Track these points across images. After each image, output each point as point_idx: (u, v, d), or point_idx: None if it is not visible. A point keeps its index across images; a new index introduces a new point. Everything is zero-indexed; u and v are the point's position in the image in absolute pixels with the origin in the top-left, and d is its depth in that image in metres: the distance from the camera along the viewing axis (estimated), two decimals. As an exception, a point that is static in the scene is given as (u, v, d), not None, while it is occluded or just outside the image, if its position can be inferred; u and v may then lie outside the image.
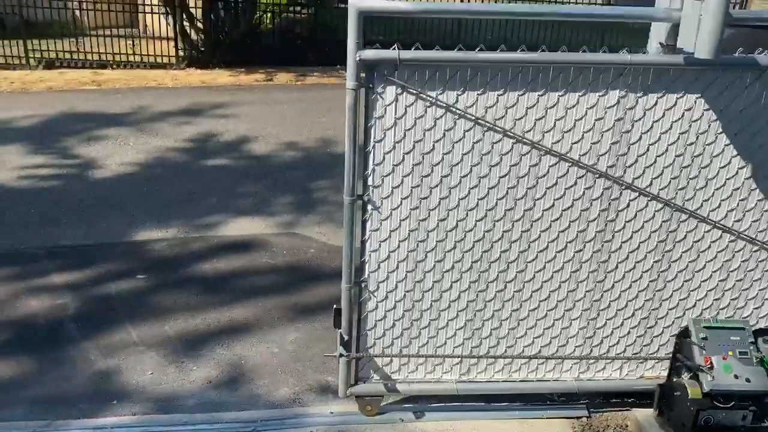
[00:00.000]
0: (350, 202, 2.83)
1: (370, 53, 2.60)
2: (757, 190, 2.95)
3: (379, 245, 2.92)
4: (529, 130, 2.79)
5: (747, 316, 3.17)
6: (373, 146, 2.76)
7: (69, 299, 4.22)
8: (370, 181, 2.82)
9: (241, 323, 4.02)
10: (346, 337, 3.05)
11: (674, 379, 2.96)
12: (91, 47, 11.88)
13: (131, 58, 12.04)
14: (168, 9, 11.92)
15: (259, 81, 11.23)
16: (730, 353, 2.81)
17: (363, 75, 2.66)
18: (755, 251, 3.07)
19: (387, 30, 11.65)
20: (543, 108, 2.76)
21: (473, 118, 2.74)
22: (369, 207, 2.86)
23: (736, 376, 2.76)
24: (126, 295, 4.32)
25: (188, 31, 12.16)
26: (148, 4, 12.10)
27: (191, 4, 12.21)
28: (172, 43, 12.15)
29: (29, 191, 6.01)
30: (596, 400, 3.32)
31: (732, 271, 3.10)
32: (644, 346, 3.20)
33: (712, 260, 3.07)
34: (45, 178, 6.30)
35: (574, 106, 2.77)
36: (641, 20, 2.73)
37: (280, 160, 7.00)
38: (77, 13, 12.70)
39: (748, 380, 2.75)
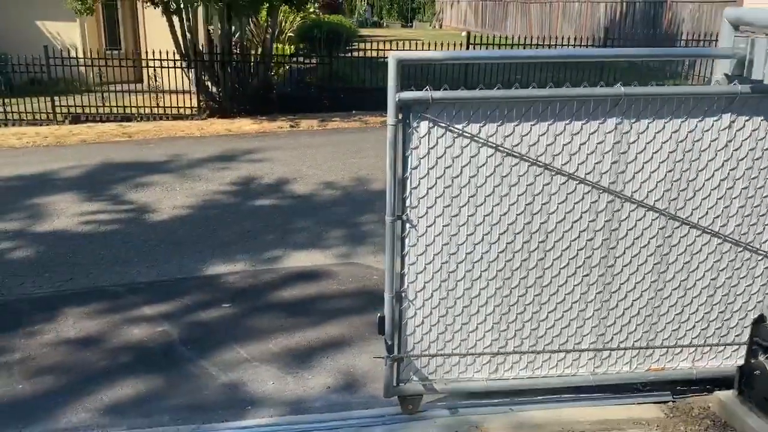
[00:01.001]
0: (391, 221, 3.28)
1: (407, 95, 3.10)
2: (739, 198, 3.43)
3: (417, 258, 3.36)
4: (542, 154, 3.28)
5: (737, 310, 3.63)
6: (410, 173, 3.23)
7: (168, 327, 4.68)
8: (408, 203, 3.28)
9: (338, 338, 4.48)
10: (389, 342, 3.46)
11: (752, 361, 3.41)
12: (116, 102, 12.53)
13: (154, 110, 12.72)
14: (187, 63, 12.68)
15: (283, 128, 11.88)
16: None
17: (400, 114, 3.15)
18: (739, 252, 3.54)
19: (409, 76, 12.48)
20: (552, 135, 3.25)
21: (494, 145, 3.23)
22: (407, 225, 3.31)
23: (809, 352, 3.17)
24: (219, 321, 4.78)
25: (206, 84, 12.88)
26: (156, 59, 12.74)
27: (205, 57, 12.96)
28: (187, 96, 12.85)
29: (93, 235, 6.52)
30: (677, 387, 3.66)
31: (721, 271, 3.57)
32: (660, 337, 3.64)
33: (703, 261, 3.53)
34: (105, 223, 6.82)
35: (578, 132, 3.26)
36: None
37: (322, 199, 7.52)
38: (82, 69, 13.32)
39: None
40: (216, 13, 13.20)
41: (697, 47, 13.96)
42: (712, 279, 3.58)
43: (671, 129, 3.30)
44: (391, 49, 13.41)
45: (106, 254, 5.99)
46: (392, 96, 3.08)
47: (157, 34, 13.98)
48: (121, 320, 4.79)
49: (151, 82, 13.20)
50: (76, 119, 12.73)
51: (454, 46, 13.73)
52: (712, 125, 3.31)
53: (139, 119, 12.77)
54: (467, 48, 14.41)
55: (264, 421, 3.64)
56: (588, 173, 3.33)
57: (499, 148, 3.24)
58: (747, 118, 3.31)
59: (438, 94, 3.12)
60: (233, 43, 13.81)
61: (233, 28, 13.57)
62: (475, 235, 3.36)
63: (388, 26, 34.25)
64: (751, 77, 3.17)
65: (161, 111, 12.82)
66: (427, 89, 3.12)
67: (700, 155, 3.35)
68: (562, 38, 16.07)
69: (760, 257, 3.57)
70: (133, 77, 13.70)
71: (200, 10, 13.22)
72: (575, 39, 15.55)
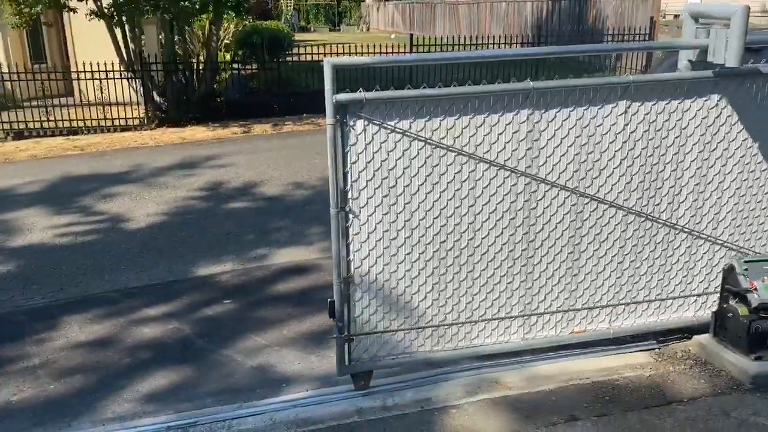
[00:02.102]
0: (336, 213, 3.60)
1: (343, 96, 3.43)
2: (638, 174, 3.94)
3: (360, 246, 3.69)
4: (466, 144, 3.67)
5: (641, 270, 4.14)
6: (350, 167, 3.56)
7: (177, 324, 4.89)
8: (349, 195, 3.60)
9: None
10: (340, 324, 3.78)
11: (725, 306, 3.95)
12: (61, 115, 12.29)
13: (101, 123, 12.56)
14: (133, 73, 12.63)
15: (237, 133, 12.02)
16: (765, 278, 3.82)
17: (338, 114, 3.47)
18: (642, 222, 4.05)
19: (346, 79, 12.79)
20: (474, 127, 3.66)
21: (424, 139, 3.60)
22: (350, 216, 3.64)
23: (773, 293, 3.77)
24: (226, 315, 5.01)
25: (152, 94, 12.86)
26: (98, 71, 12.62)
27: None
28: (129, 107, 12.80)
29: (72, 246, 6.58)
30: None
31: (627, 239, 4.07)
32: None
33: (611, 232, 4.02)
34: (81, 234, 6.89)
35: (496, 124, 3.68)
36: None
37: (294, 198, 7.76)
38: (8, 85, 13.00)
39: (781, 295, 3.78)
40: (158, 22, 13.23)
41: (664, 41, 14.45)
42: (620, 247, 4.07)
43: (576, 116, 3.76)
44: (331, 53, 13.78)
45: (90, 264, 6.08)
46: (329, 98, 3.41)
47: (86, 46, 13.78)
48: (126, 322, 4.99)
49: (82, 96, 13.03)
50: (19, 135, 12.42)
51: (398, 48, 14.19)
52: (610, 111, 3.80)
53: (86, 132, 12.58)
54: (411, 50, 14.94)
55: (304, 394, 3.97)
56: (507, 159, 3.75)
57: (428, 141, 3.62)
58: (640, 103, 3.82)
59: (371, 94, 3.46)
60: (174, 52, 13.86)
61: (176, 37, 13.61)
62: (411, 221, 3.73)
63: (316, 31, 34.46)
64: (714, 62, 3.71)
65: (108, 123, 12.68)
66: (360, 91, 3.46)
67: (601, 138, 3.83)
68: (492, 37, 16.64)
69: (660, 225, 4.09)
70: (64, 91, 13.48)
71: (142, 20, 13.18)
72: (505, 38, 16.19)
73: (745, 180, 4.11)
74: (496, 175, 3.76)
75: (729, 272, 3.96)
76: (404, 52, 14.88)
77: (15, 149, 11.39)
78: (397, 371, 4.03)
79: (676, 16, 21.72)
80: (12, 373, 4.43)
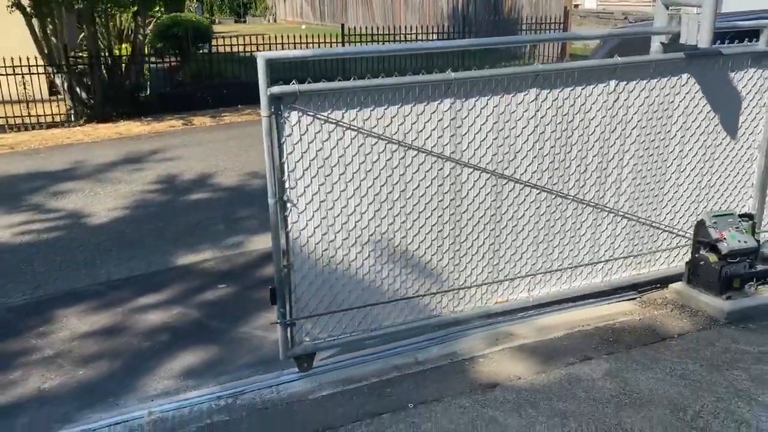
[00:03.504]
0: (274, 202, 3.72)
1: (276, 89, 3.55)
2: (548, 155, 4.32)
3: (299, 233, 3.84)
4: (395, 133, 3.90)
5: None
6: (287, 157, 3.69)
7: (182, 309, 4.89)
8: (287, 185, 3.74)
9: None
10: (282, 310, 3.91)
11: (697, 255, 4.66)
12: None
13: (25, 120, 11.85)
14: (56, 69, 12.02)
15: (175, 126, 11.67)
16: (731, 229, 4.51)
17: (273, 106, 3.59)
18: (553, 198, 4.44)
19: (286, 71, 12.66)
20: (402, 116, 3.88)
21: (356, 128, 3.79)
22: (288, 204, 3.77)
23: (739, 241, 4.49)
24: (227, 298, 5.06)
25: (76, 89, 12.28)
26: (6, 66, 11.85)
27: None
28: (47, 103, 12.18)
29: (37, 244, 6.32)
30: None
31: (541, 215, 4.46)
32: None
33: (527, 209, 4.39)
34: (42, 231, 6.63)
35: (422, 113, 3.92)
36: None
37: (253, 188, 7.70)
38: None
39: (745, 242, 4.53)
40: (76, 14, 12.55)
41: (639, 26, 15.01)
42: (535, 222, 4.46)
43: (493, 104, 4.08)
44: (255, 44, 13.56)
45: (63, 260, 5.91)
46: (264, 91, 3.52)
47: None
48: (127, 311, 4.96)
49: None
50: None
51: (317, 38, 14.18)
52: (522, 99, 4.14)
53: (10, 130, 11.80)
54: (343, 43, 14.99)
55: (339, 358, 4.17)
56: (433, 146, 4.01)
57: (360, 130, 3.81)
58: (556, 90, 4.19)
59: (304, 86, 3.60)
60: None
61: (92, 29, 12.95)
62: (347, 207, 3.91)
63: (221, 22, 33.37)
64: (687, 43, 4.18)
65: (33, 120, 11.97)
66: (294, 83, 3.59)
67: (516, 124, 4.18)
68: (408, 28, 16.72)
69: (568, 201, 4.51)
70: None
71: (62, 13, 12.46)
72: (421, 28, 16.43)
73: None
74: (424, 160, 4.01)
75: (700, 226, 4.66)
76: (330, 44, 14.93)
77: None
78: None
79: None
80: (30, 365, 4.42)
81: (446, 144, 4.04)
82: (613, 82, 4.34)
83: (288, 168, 3.72)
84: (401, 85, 3.81)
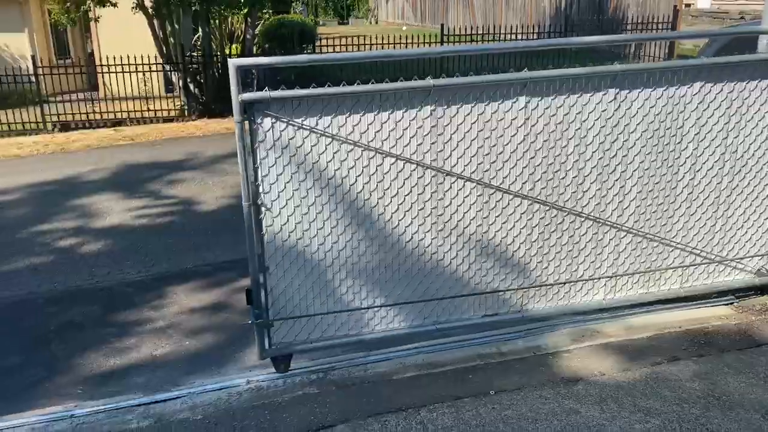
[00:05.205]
0: (248, 206, 3.80)
1: (248, 95, 3.61)
2: (540, 165, 4.15)
3: (274, 237, 3.90)
4: (372, 140, 3.87)
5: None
6: (260, 162, 3.76)
7: None
8: (261, 189, 3.80)
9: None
10: (257, 311, 3.99)
11: None
12: (107, 107, 12.76)
13: (144, 114, 13.01)
14: (172, 68, 13.09)
15: None
16: None
17: (245, 111, 3.66)
18: (547, 210, 4.27)
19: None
20: (379, 123, 3.85)
21: (330, 135, 3.80)
22: (263, 209, 3.84)
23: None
24: None
25: (190, 86, 13.26)
26: (129, 64, 12.96)
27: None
28: (164, 100, 13.28)
29: (152, 227, 7.15)
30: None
31: (534, 227, 4.29)
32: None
33: (518, 220, 4.24)
34: (157, 216, 7.51)
35: (401, 119, 3.88)
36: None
37: None
38: (33, 79, 13.22)
39: None
40: (191, 15, 13.49)
41: (740, 26, 14.55)
42: (527, 235, 4.30)
43: (477, 112, 3.97)
44: (353, 45, 13.90)
45: (175, 242, 6.63)
46: (235, 97, 3.59)
47: (109, 41, 14.09)
48: (231, 290, 5.54)
49: (106, 89, 13.36)
50: (66, 127, 12.94)
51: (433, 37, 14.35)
52: (511, 106, 4.01)
53: (131, 123, 13.02)
54: (441, 43, 15.15)
55: (423, 343, 4.37)
56: (412, 153, 3.95)
57: (335, 137, 3.81)
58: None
59: (276, 93, 3.65)
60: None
61: (206, 30, 13.93)
62: (323, 213, 3.93)
63: (324, 24, 34.23)
64: None
65: (151, 114, 13.12)
66: (266, 90, 3.65)
67: (503, 132, 4.04)
68: (508, 28, 16.68)
69: (565, 213, 4.32)
70: (88, 85, 13.84)
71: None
72: (522, 28, 16.27)
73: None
74: (403, 168, 3.96)
75: None
76: (430, 44, 15.08)
77: (67, 140, 11.89)
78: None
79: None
80: (144, 333, 5.09)
81: (426, 151, 3.97)
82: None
83: (262, 173, 3.78)
84: (376, 91, 3.78)
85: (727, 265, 4.72)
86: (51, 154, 11.09)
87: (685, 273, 4.65)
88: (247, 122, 3.68)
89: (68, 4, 12.89)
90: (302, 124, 3.75)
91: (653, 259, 4.57)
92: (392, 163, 3.94)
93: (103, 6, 12.80)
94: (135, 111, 13.28)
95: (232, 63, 3.54)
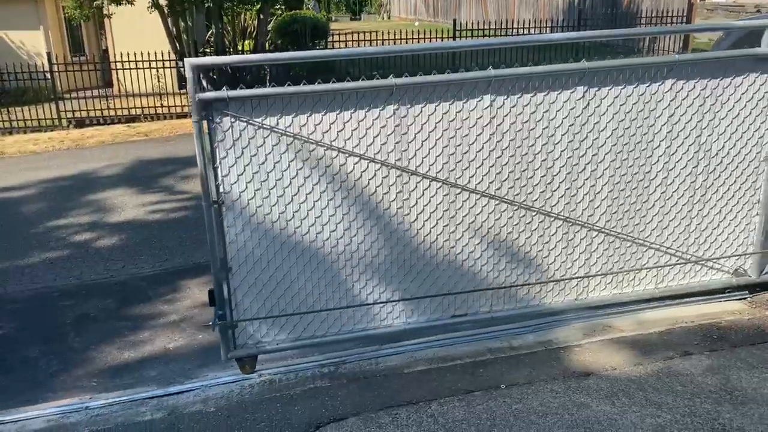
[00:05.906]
0: (207, 206, 3.77)
1: (206, 95, 3.58)
2: (507, 164, 4.10)
3: (236, 237, 3.87)
4: (335, 139, 3.83)
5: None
6: (220, 162, 3.72)
7: None
8: (221, 189, 3.77)
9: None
10: (220, 312, 3.96)
11: None
12: (121, 104, 12.92)
13: (158, 110, 13.12)
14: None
15: None
16: None
17: (203, 111, 3.62)
18: (515, 210, 4.22)
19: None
20: (342, 122, 3.81)
21: (291, 134, 3.76)
22: (223, 209, 3.81)
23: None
24: None
25: (203, 83, 13.44)
26: (144, 61, 13.06)
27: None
28: (177, 96, 13.34)
29: (166, 221, 7.28)
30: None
31: (502, 227, 4.24)
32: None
33: (485, 220, 4.19)
34: (171, 211, 7.67)
35: (363, 119, 3.83)
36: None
37: None
38: (48, 76, 13.32)
39: None
40: (203, 11, 13.58)
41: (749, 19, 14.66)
42: (495, 234, 4.25)
43: (442, 111, 3.92)
44: (365, 41, 13.90)
45: (188, 237, 6.69)
46: (192, 96, 3.57)
47: (123, 38, 14.17)
48: None
49: (120, 86, 13.47)
50: (80, 123, 13.06)
51: (442, 33, 14.30)
52: (476, 105, 3.95)
53: (145, 119, 13.12)
54: (453, 38, 15.12)
55: (434, 337, 4.41)
56: (376, 153, 3.91)
57: (296, 136, 3.77)
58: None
59: (233, 92, 3.61)
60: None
61: (219, 26, 14.01)
62: (286, 213, 3.90)
63: (336, 20, 34.19)
64: None
65: (165, 111, 13.18)
66: (224, 89, 3.61)
67: (469, 131, 3.99)
68: (520, 22, 16.66)
69: (534, 213, 4.26)
70: (102, 82, 13.93)
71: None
72: (534, 22, 16.28)
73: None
74: (367, 168, 3.92)
75: None
76: (442, 39, 15.08)
77: (82, 136, 12.04)
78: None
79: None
80: (158, 327, 5.18)
81: (391, 151, 3.92)
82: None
83: (222, 172, 3.74)
84: (337, 90, 3.74)
85: (704, 265, 4.66)
86: (66, 150, 11.29)
87: (660, 273, 4.59)
88: (205, 122, 3.64)
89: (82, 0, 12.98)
90: (262, 124, 3.71)
91: (627, 259, 4.51)
92: (356, 163, 3.90)
93: (118, 5, 12.86)
94: (149, 107, 13.39)
95: (189, 62, 3.50)
